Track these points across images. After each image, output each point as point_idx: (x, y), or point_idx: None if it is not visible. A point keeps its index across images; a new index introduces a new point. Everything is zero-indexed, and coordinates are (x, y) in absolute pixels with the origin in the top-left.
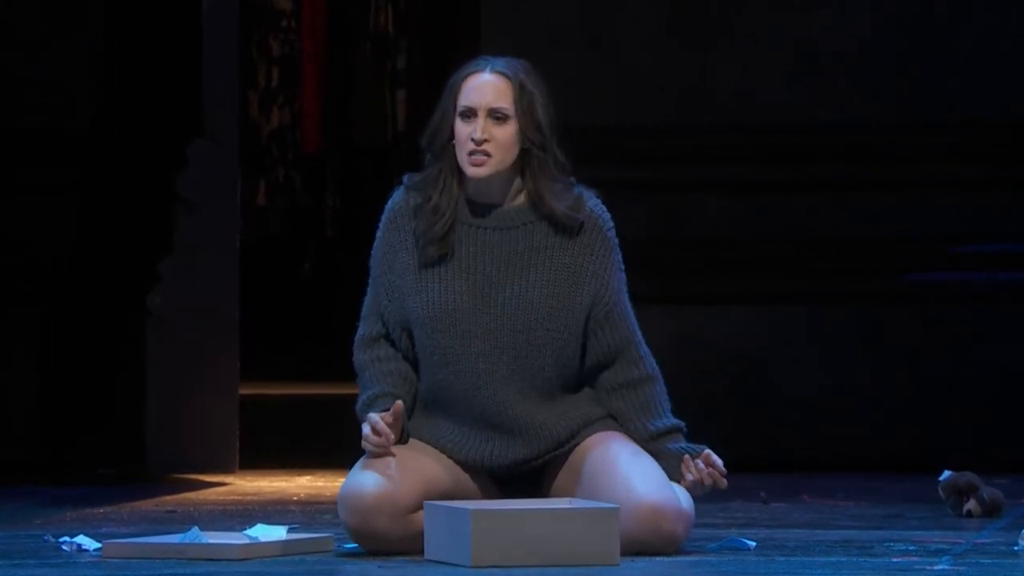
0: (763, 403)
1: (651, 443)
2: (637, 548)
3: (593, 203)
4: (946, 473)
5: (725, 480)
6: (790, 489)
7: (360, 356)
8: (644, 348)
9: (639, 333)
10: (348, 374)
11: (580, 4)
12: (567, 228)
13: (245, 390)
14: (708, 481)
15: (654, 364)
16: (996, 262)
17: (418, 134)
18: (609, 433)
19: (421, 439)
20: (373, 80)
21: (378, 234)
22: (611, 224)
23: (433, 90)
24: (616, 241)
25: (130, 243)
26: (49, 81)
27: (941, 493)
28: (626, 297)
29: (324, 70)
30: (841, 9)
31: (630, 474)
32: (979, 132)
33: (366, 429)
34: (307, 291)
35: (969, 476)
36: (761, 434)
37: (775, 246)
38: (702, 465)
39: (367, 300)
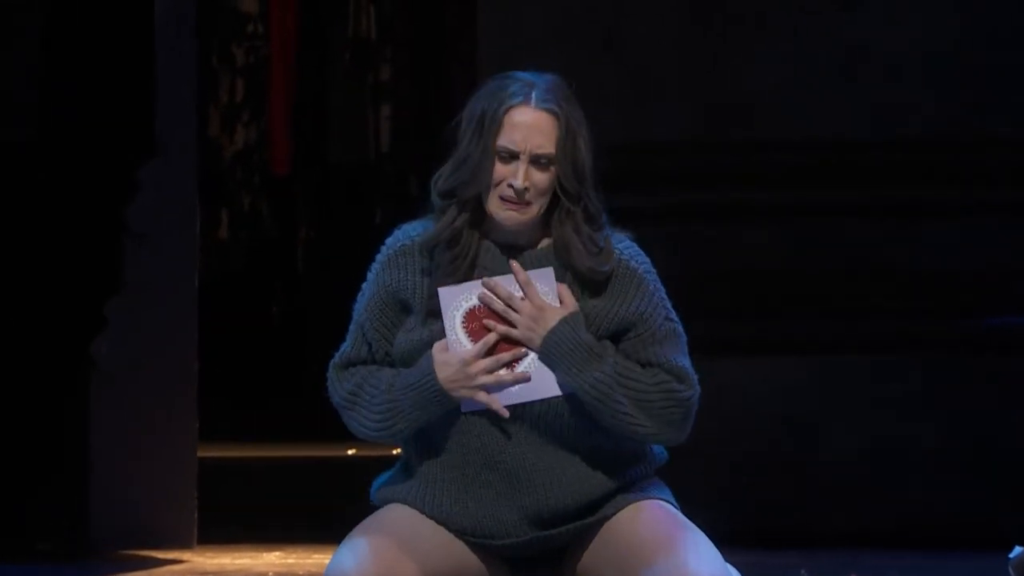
0: (805, 466)
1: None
2: None
3: (623, 245)
4: (1017, 549)
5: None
6: (835, 566)
7: (344, 386)
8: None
9: (687, 363)
10: (323, 433)
11: (588, 2)
12: (592, 280)
13: (205, 452)
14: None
15: (685, 384)
16: None
17: (403, 154)
18: (649, 502)
19: (414, 504)
20: (352, 93)
21: (370, 275)
22: (646, 265)
23: (422, 105)
24: (655, 282)
25: (72, 281)
26: None
27: (1011, 572)
28: (669, 336)
29: (296, 82)
30: (895, 8)
31: (681, 548)
32: None
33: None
34: (276, 338)
35: None
36: (803, 502)
37: (820, 283)
38: None
39: (345, 348)
